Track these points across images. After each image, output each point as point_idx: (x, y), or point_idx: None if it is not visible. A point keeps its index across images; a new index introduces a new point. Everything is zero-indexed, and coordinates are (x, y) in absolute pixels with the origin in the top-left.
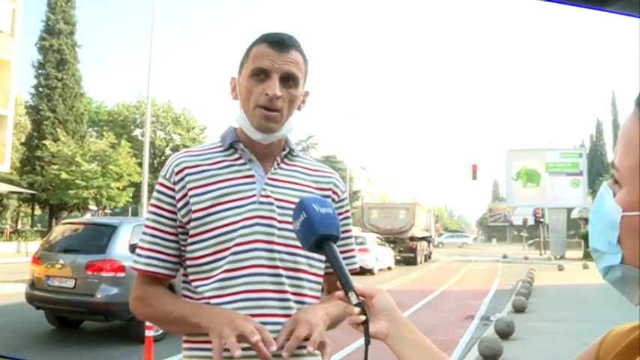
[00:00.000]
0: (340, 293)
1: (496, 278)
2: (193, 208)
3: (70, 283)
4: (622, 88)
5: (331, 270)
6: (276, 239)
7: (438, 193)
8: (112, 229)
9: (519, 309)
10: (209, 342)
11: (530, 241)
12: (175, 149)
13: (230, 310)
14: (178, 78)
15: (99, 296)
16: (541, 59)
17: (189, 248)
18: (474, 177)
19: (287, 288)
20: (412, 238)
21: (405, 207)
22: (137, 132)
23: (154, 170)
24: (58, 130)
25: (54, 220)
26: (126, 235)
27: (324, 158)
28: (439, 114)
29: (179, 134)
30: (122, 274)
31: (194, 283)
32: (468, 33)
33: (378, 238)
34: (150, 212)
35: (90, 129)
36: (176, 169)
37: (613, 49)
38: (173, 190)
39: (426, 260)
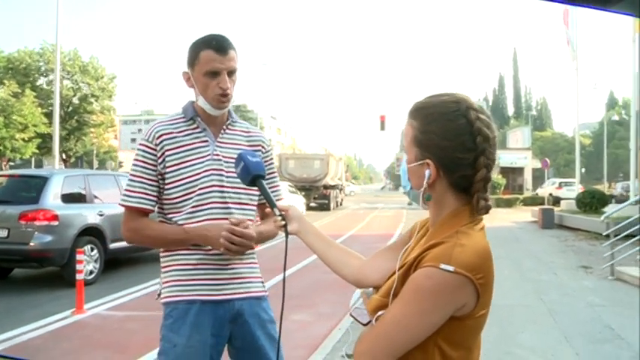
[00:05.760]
0: (269, 210)
1: (401, 223)
2: (168, 163)
3: (3, 233)
4: (523, 45)
5: (263, 202)
6: (225, 183)
7: (347, 143)
8: (42, 181)
9: None
10: (181, 249)
11: None
12: (84, 99)
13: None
14: (85, 25)
15: (33, 244)
16: (448, 14)
17: (166, 191)
18: (382, 127)
19: (235, 215)
20: (325, 186)
21: (320, 157)
22: (42, 81)
23: (62, 120)
24: None
25: None
26: (57, 186)
27: (234, 107)
28: (348, 65)
29: (87, 83)
30: (55, 223)
31: (169, 215)
32: None
33: (289, 186)
34: (136, 165)
35: None
36: (156, 135)
37: (515, 7)
38: (155, 149)
39: (337, 206)
